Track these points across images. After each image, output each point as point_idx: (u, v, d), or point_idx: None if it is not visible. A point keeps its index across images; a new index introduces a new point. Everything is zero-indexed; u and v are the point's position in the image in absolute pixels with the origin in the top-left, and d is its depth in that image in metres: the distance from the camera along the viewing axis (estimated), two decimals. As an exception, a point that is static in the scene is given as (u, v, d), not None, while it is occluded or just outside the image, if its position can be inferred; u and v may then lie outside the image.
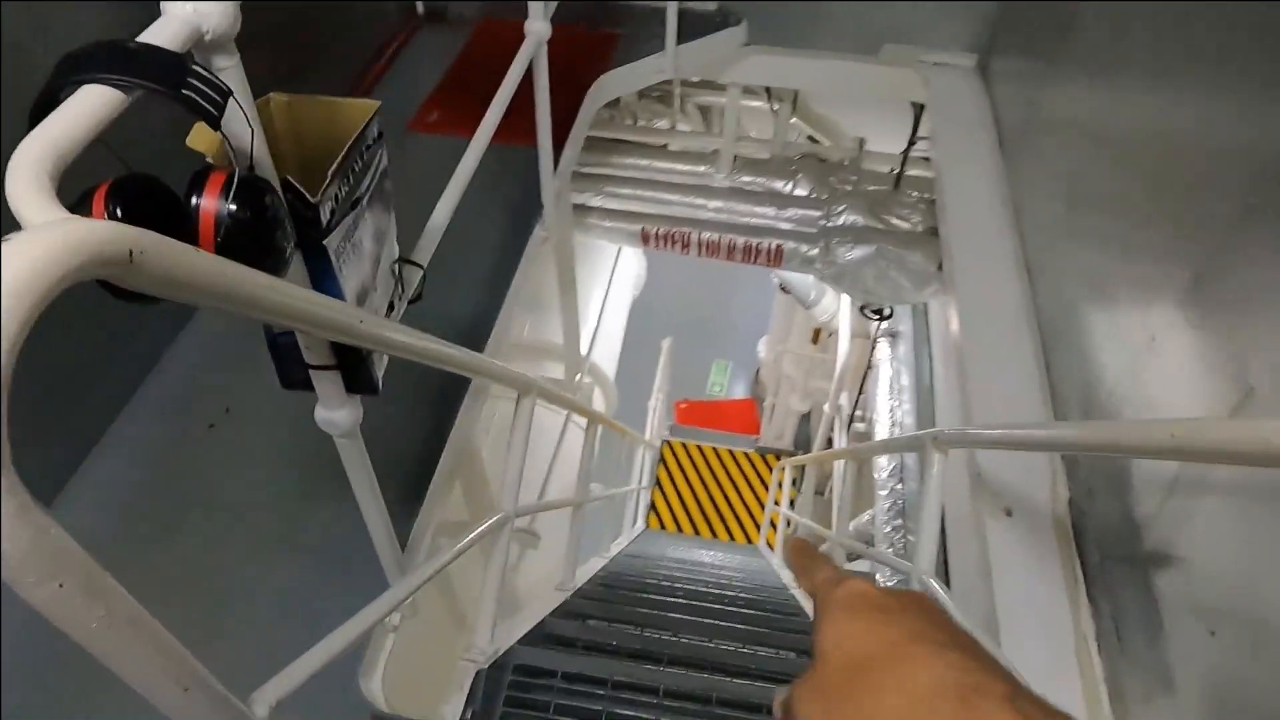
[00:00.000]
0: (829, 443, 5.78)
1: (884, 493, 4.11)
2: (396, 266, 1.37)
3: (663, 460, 8.53)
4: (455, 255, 2.76)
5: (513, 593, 3.21)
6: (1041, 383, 2.28)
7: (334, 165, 1.05)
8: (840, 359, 5.18)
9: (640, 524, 7.44)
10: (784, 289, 7.29)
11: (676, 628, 2.85)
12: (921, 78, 3.61)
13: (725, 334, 11.41)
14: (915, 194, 4.21)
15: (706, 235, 4.16)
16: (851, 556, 4.36)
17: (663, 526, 7.82)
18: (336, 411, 1.22)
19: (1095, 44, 2.38)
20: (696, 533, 7.77)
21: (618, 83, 3.31)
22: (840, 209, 4.10)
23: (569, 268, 3.60)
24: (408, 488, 2.10)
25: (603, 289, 5.29)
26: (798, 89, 4.11)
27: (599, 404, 4.92)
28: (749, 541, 7.69)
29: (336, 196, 1.07)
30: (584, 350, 4.80)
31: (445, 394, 2.32)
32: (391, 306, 1.38)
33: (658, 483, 8.29)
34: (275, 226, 0.83)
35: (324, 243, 1.03)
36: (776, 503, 6.76)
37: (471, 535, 1.81)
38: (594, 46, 3.64)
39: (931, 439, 1.86)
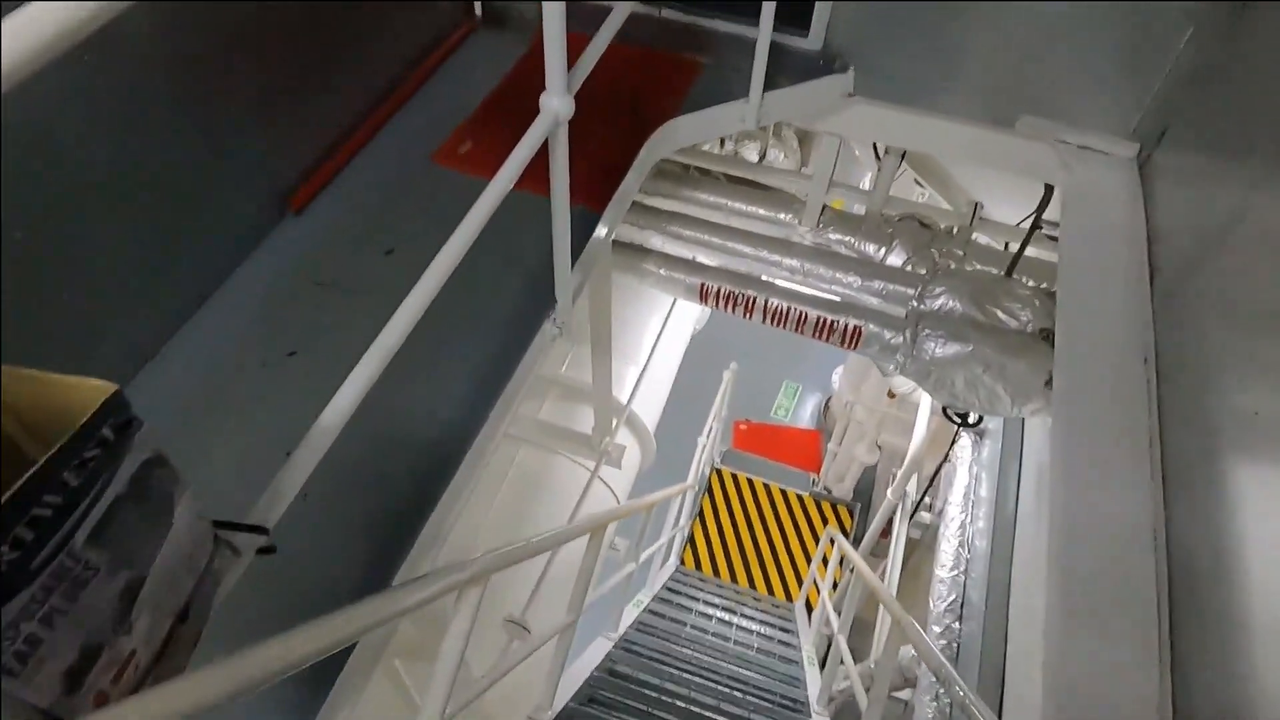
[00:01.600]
0: (887, 529, 5.22)
1: (938, 629, 3.58)
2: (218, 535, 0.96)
3: (710, 490, 8.08)
4: (451, 329, 2.36)
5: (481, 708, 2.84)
6: (1157, 574, 1.74)
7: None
8: (914, 444, 4.61)
9: (674, 560, 7.03)
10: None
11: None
12: (1060, 160, 2.99)
13: (800, 354, 10.79)
14: (1031, 284, 3.60)
15: (775, 302, 3.64)
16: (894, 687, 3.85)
17: (698, 565, 7.39)
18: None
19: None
20: (734, 578, 7.32)
21: (686, 132, 2.82)
22: (938, 290, 3.53)
23: (605, 334, 3.16)
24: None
25: (658, 325, 4.82)
26: (907, 150, 3.53)
27: (631, 461, 4.50)
28: (788, 597, 7.19)
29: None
30: (624, 398, 4.37)
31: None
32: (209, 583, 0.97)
33: (700, 514, 7.85)
34: None
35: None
36: (819, 576, 6.25)
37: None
38: (669, 75, 3.15)
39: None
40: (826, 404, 10.03)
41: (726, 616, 5.86)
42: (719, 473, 8.29)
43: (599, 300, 3.02)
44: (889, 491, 4.88)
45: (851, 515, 8.03)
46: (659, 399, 4.90)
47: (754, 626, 6.07)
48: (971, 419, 3.87)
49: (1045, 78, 2.96)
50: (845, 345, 3.59)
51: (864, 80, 3.04)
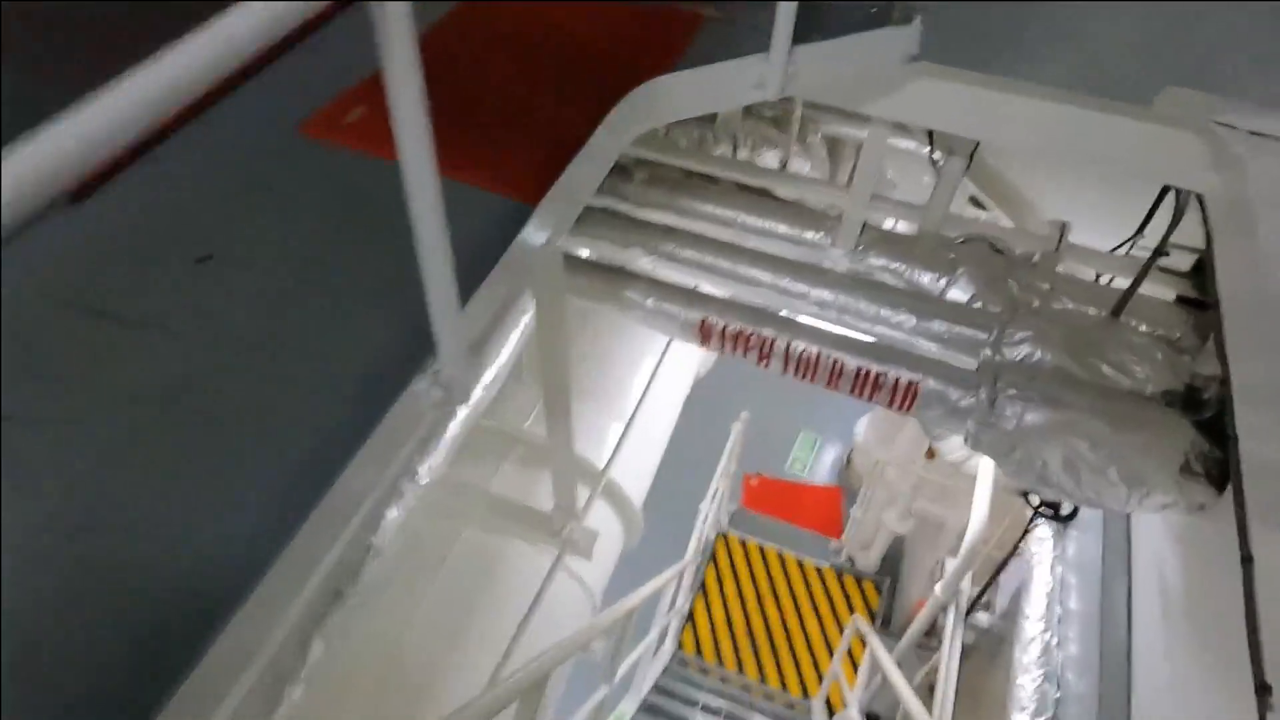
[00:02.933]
0: (930, 630, 4.28)
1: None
2: None
3: (714, 558, 7.12)
4: (258, 395, 1.49)
5: None
6: None
7: None
8: (972, 532, 3.69)
9: (670, 645, 6.06)
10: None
11: None
12: (1211, 151, 2.13)
13: (818, 400, 9.86)
14: (1148, 331, 2.72)
15: (800, 345, 2.76)
16: None
17: (699, 650, 6.41)
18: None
19: None
20: (741, 667, 6.33)
21: (677, 96, 1.96)
22: (1021, 336, 2.65)
23: (561, 383, 2.29)
24: None
25: (649, 368, 3.95)
26: (982, 140, 2.66)
27: (610, 543, 3.59)
28: (804, 693, 6.20)
29: None
30: (601, 462, 3.48)
31: None
32: None
33: (703, 587, 6.89)
34: None
35: None
36: (844, 676, 5.28)
37: None
38: (660, 32, 2.31)
39: None
40: (849, 458, 9.10)
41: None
42: (725, 539, 7.34)
43: (550, 335, 2.16)
44: (937, 588, 3.94)
45: (879, 591, 7.04)
46: (649, 462, 4.00)
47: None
48: (1065, 510, 2.95)
49: (1199, 37, 2.11)
50: (897, 406, 2.70)
51: (935, 39, 2.19)
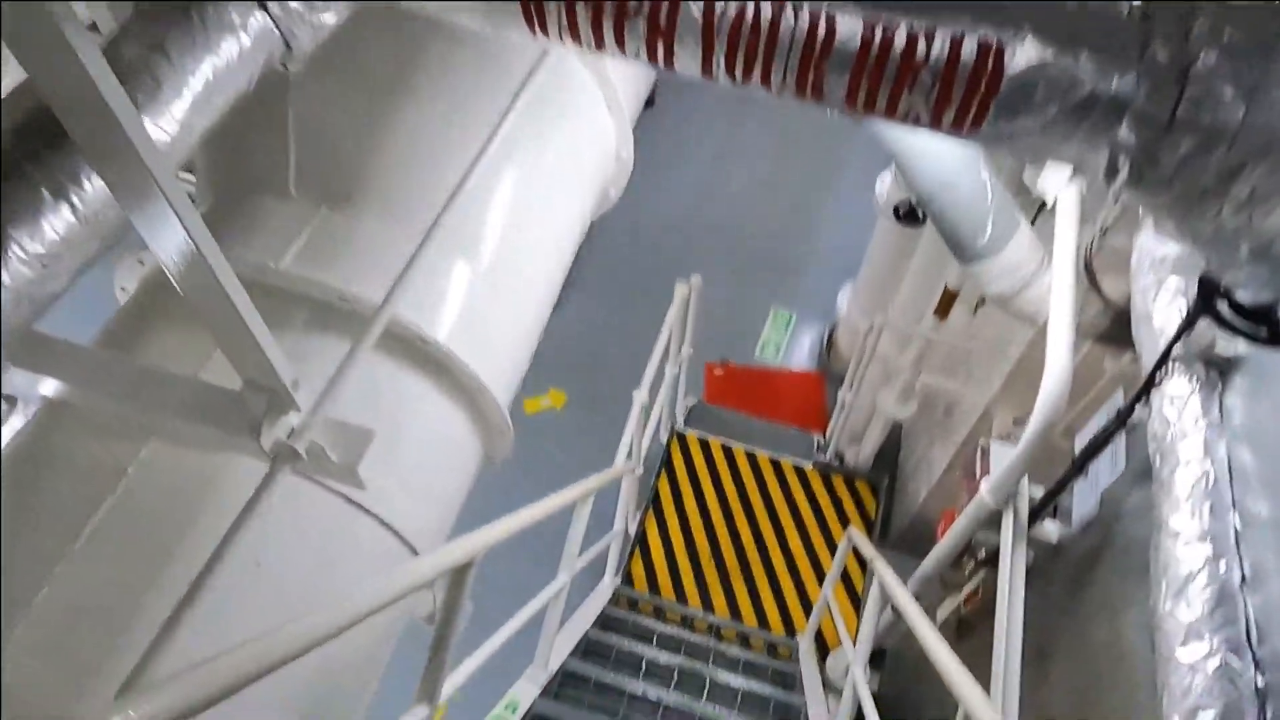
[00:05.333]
0: (977, 560, 2.97)
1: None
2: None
3: (669, 465, 5.81)
4: None
5: None
6: None
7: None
8: (1049, 392, 2.34)
9: (610, 579, 4.78)
10: (902, 214, 4.36)
11: None
12: None
13: (792, 269, 8.49)
14: None
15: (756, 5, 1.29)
16: None
17: (652, 587, 5.14)
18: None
19: None
20: (707, 603, 5.09)
21: None
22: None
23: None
24: None
25: (502, 169, 2.47)
26: None
27: (448, 446, 2.19)
28: (787, 632, 4.98)
29: None
30: (426, 324, 2.06)
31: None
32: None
33: (654, 501, 5.59)
34: None
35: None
36: (834, 601, 4.03)
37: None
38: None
39: None
40: (830, 336, 7.76)
41: (688, 702, 3.64)
42: (682, 439, 6.01)
43: None
44: (984, 487, 2.61)
45: (875, 494, 5.80)
46: (519, 323, 2.56)
47: (738, 698, 3.87)
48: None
49: None
50: (954, 115, 1.26)
51: None
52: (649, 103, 7.91)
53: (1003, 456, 2.71)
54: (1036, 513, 2.62)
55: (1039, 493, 2.71)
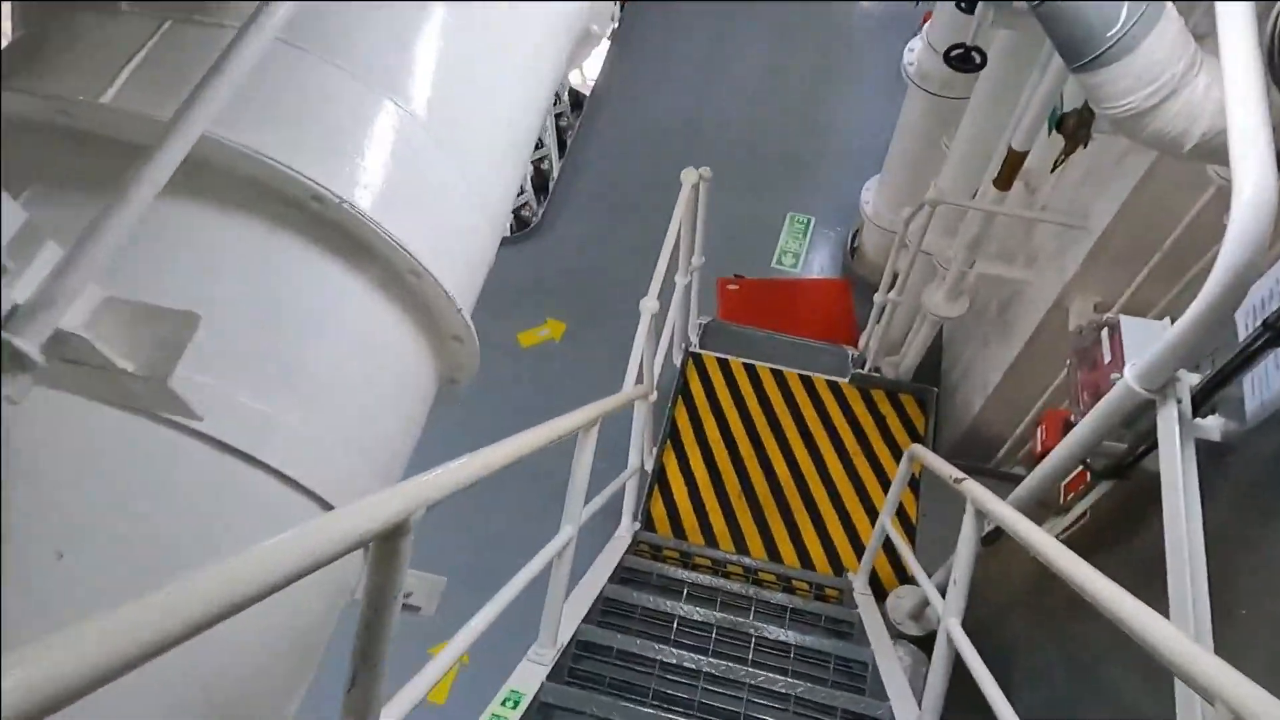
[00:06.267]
0: (1093, 473, 2.30)
1: None
2: None
3: (684, 391, 5.14)
4: None
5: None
6: None
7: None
8: (1244, 227, 1.64)
9: (628, 524, 4.16)
10: (957, 57, 3.57)
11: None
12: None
13: (806, 169, 7.72)
14: None
15: None
16: None
17: (676, 530, 4.52)
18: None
19: None
20: (739, 546, 4.47)
21: None
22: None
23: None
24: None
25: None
26: None
27: (389, 366, 1.52)
28: (835, 571, 4.37)
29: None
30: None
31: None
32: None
33: (672, 432, 4.94)
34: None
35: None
36: (894, 531, 3.39)
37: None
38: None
39: None
40: (854, 239, 7.02)
41: (730, 666, 3.02)
42: (698, 360, 5.33)
43: None
44: (1128, 373, 1.91)
45: (923, 408, 5.13)
46: (476, 185, 1.84)
47: (790, 654, 3.27)
48: None
49: None
50: None
51: None
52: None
53: (1148, 333, 2.03)
54: (1207, 396, 1.94)
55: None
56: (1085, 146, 3.10)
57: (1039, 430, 2.62)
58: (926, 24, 5.24)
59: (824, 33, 8.52)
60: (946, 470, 2.65)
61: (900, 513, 4.52)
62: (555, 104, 9.65)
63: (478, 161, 1.89)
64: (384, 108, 1.63)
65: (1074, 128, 3.05)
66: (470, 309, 1.82)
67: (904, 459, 3.43)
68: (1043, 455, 2.51)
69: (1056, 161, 3.30)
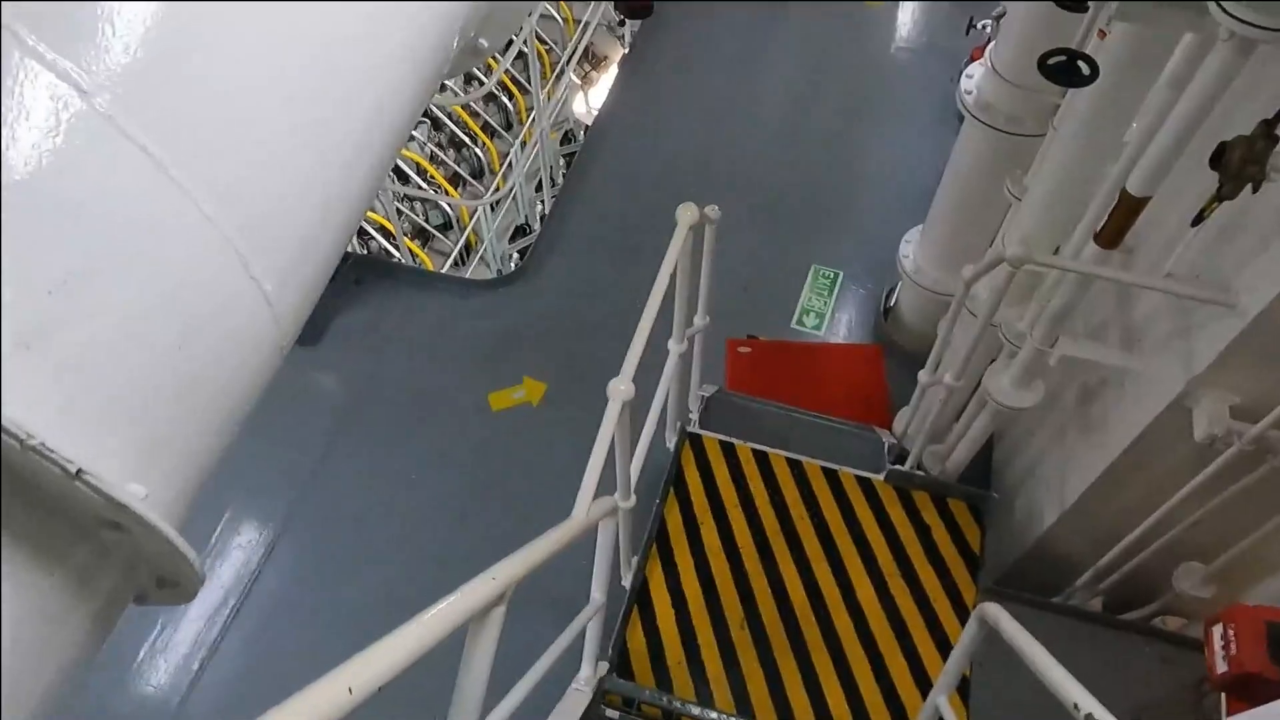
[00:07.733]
0: None
1: None
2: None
3: (678, 482, 4.18)
4: None
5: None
6: None
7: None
8: None
9: (589, 673, 3.16)
10: (1056, 67, 2.64)
11: None
12: None
13: (836, 216, 6.85)
14: None
15: None
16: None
17: (659, 675, 3.53)
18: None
19: None
20: (739, 705, 3.46)
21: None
22: None
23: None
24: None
25: None
26: None
27: None
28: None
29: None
30: None
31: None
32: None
33: (660, 539, 3.96)
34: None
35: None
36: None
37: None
38: None
39: None
40: (889, 299, 6.10)
41: None
42: (697, 442, 4.37)
43: None
44: None
45: (979, 521, 4.14)
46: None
47: None
48: None
49: None
50: None
51: None
52: (646, 10, 6.25)
53: None
54: None
55: None
56: (1256, 191, 2.17)
57: (1218, 633, 1.64)
58: (979, 59, 4.44)
59: (858, 63, 7.72)
60: (1068, 691, 1.66)
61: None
62: (565, 138, 8.81)
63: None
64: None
65: (1241, 162, 2.12)
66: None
67: (973, 621, 2.45)
68: (1235, 679, 1.54)
69: (1203, 211, 2.37)
